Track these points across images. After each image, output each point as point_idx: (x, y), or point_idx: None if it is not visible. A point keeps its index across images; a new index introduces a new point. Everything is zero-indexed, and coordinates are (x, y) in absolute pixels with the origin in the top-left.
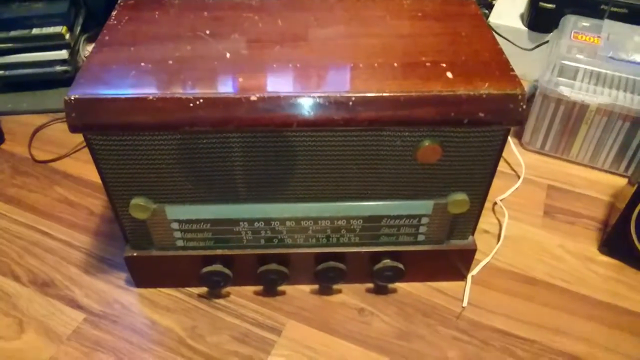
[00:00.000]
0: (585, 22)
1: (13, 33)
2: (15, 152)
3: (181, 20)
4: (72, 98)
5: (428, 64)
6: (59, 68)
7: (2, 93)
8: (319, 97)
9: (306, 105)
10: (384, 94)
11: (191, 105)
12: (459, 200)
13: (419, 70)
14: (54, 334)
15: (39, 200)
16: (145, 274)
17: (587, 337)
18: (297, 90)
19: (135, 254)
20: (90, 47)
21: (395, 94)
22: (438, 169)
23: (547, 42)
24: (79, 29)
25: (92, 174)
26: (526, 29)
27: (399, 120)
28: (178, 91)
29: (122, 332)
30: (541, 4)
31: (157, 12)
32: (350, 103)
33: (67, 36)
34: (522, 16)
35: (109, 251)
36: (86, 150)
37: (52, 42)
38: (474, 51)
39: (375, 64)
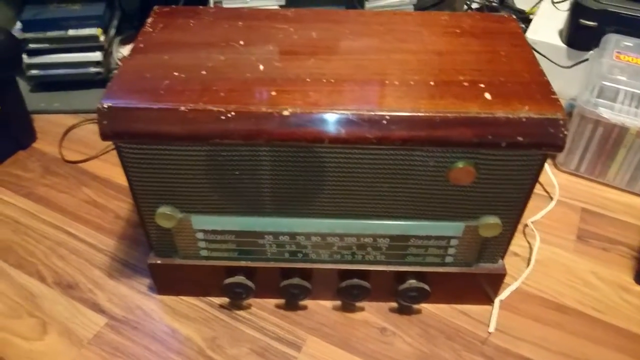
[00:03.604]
0: (628, 42)
1: (49, 34)
2: (46, 151)
3: (216, 29)
4: (105, 106)
5: (465, 84)
6: (92, 69)
7: (35, 92)
8: (352, 114)
9: (339, 122)
10: (419, 114)
11: (223, 117)
12: (490, 223)
13: (456, 89)
14: (76, 337)
15: (67, 201)
16: (168, 281)
17: None
18: (330, 106)
19: (159, 261)
20: (123, 49)
21: (431, 114)
22: (471, 191)
23: (587, 60)
24: (113, 31)
25: (120, 176)
26: (565, 45)
27: (434, 140)
28: (210, 103)
29: (143, 339)
30: (581, 20)
31: (191, 21)
32: (384, 121)
33: (102, 38)
34: (560, 32)
35: (133, 256)
36: (115, 152)
37: (87, 44)
38: (514, 71)
39: (411, 82)
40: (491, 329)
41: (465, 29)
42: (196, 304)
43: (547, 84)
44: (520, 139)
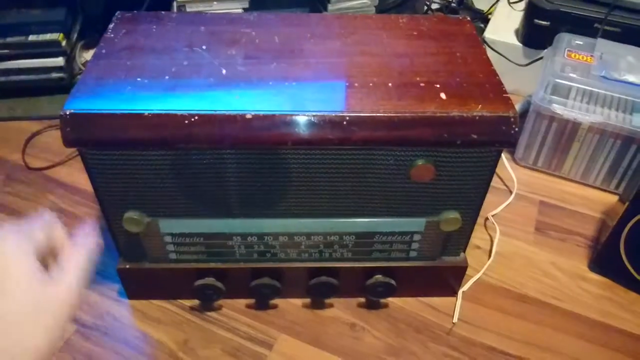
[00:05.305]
0: (579, 41)
1: (9, 39)
2: (9, 158)
3: (178, 34)
4: (68, 113)
5: (422, 85)
6: (54, 75)
7: None
8: (314, 116)
9: (301, 124)
10: (379, 114)
11: (186, 122)
12: (451, 218)
13: (414, 90)
14: None
15: (32, 209)
16: (138, 286)
17: (578, 356)
18: (293, 109)
19: (128, 266)
20: (86, 54)
21: (390, 115)
22: (431, 188)
23: (542, 58)
24: (75, 35)
25: (86, 182)
26: (521, 44)
27: (393, 140)
28: (174, 108)
29: (114, 344)
30: (536, 20)
31: (154, 26)
32: (345, 122)
33: (64, 43)
34: (517, 32)
35: (101, 261)
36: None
37: (48, 49)
38: (469, 72)
39: (371, 84)
40: (455, 319)
41: (423, 32)
42: (167, 307)
43: (500, 83)
44: (474, 136)
